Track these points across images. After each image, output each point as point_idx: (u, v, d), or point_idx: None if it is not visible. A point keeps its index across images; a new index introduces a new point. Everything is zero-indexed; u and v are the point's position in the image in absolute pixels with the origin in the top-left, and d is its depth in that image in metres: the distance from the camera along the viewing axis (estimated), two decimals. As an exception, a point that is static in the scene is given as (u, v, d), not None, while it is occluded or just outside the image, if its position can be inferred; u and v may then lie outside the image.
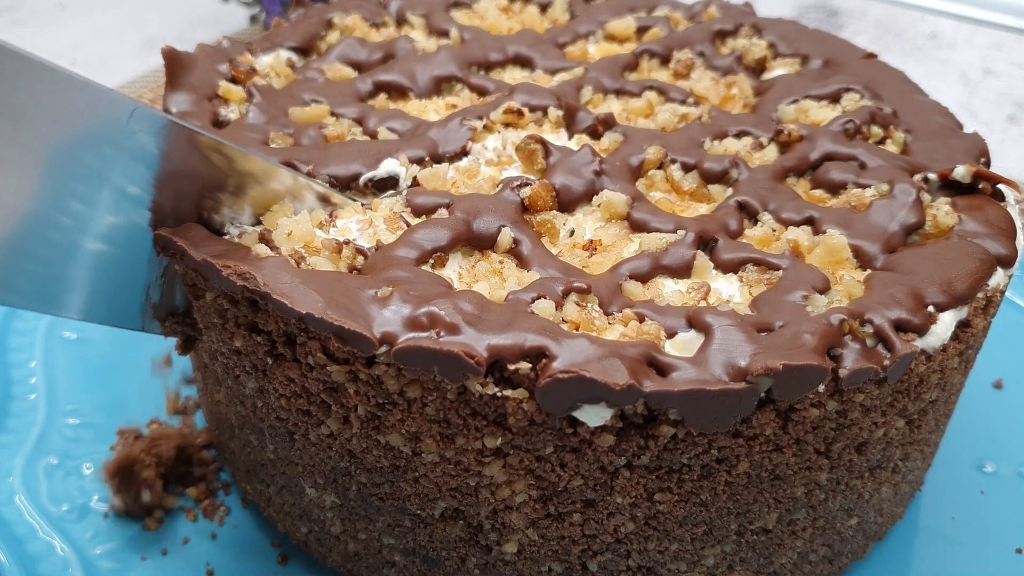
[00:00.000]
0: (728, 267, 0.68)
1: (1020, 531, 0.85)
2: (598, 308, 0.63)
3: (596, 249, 0.70)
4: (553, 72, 0.92)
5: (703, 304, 0.64)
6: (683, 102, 0.88)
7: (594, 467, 0.63)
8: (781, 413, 0.61)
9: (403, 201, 0.72)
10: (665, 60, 0.96)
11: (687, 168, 0.78)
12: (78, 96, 0.58)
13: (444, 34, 0.98)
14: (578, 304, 0.62)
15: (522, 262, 0.67)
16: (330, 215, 0.71)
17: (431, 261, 0.66)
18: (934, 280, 0.65)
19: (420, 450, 0.64)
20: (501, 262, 0.67)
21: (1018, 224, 0.73)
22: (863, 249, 0.69)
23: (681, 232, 0.69)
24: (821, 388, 0.60)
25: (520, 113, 0.81)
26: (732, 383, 0.57)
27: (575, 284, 0.63)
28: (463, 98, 0.87)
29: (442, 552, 0.72)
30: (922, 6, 1.96)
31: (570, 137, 0.82)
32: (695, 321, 0.61)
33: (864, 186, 0.74)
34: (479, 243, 0.68)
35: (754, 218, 0.73)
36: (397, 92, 0.88)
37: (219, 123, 0.80)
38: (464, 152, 0.78)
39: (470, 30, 0.98)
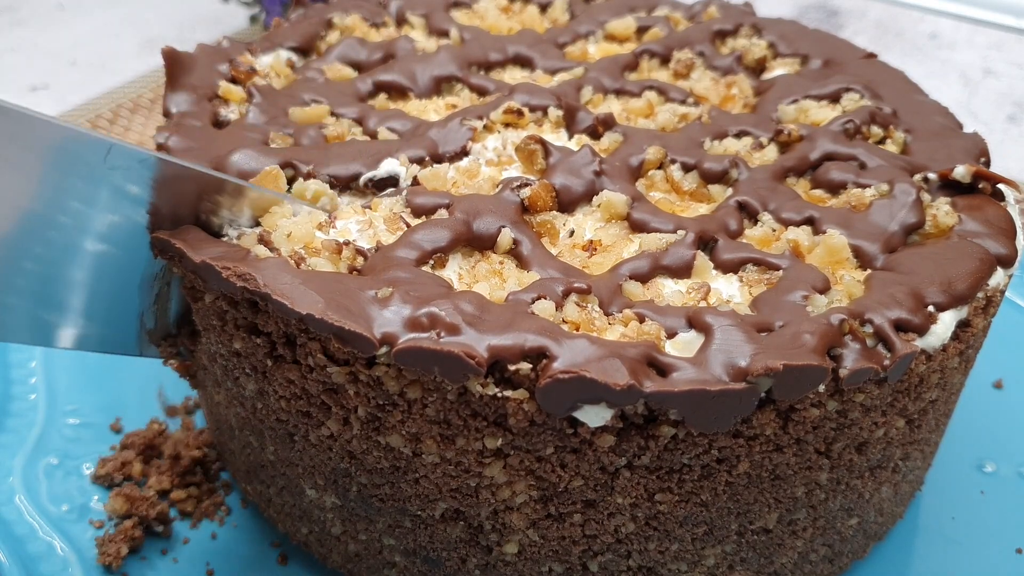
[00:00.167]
0: (728, 267, 0.68)
1: (1020, 531, 0.85)
2: (598, 308, 0.63)
3: (596, 249, 0.70)
4: (553, 72, 0.92)
5: (703, 304, 0.64)
6: (683, 102, 0.88)
7: (594, 467, 0.62)
8: (781, 413, 0.61)
9: (403, 201, 0.72)
10: (665, 60, 0.95)
11: (687, 168, 0.78)
12: (54, 137, 0.58)
13: (444, 34, 0.98)
14: (578, 304, 0.62)
15: (522, 263, 0.67)
16: (330, 216, 0.71)
17: (431, 262, 0.66)
18: (934, 280, 0.65)
19: (420, 451, 0.64)
20: (501, 263, 0.67)
21: (1018, 224, 0.73)
22: (863, 249, 0.69)
23: (681, 232, 0.69)
24: (821, 388, 0.60)
25: (520, 113, 0.81)
26: (732, 383, 0.57)
27: (575, 284, 0.63)
28: (463, 98, 0.87)
29: (442, 553, 0.72)
30: (922, 6, 1.96)
31: (570, 137, 0.82)
32: (695, 321, 0.61)
33: (864, 186, 0.74)
34: (479, 244, 0.68)
35: (754, 218, 0.73)
36: (397, 92, 0.88)
37: (219, 123, 0.80)
38: (464, 152, 0.78)
39: (470, 30, 0.98)
